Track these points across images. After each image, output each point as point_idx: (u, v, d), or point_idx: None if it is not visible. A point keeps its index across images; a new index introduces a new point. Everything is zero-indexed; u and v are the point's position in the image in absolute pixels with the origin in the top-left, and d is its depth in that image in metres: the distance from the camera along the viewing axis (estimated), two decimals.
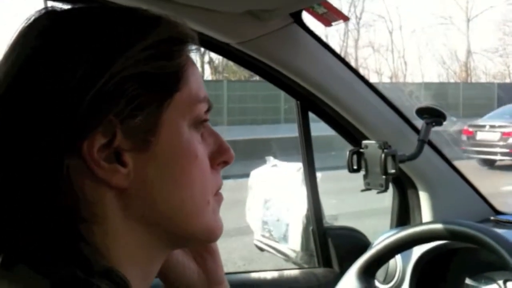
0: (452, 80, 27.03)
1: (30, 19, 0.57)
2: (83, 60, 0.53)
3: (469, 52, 28.58)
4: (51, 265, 0.52)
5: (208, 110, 0.61)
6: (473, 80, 27.32)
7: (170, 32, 0.58)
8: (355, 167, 1.40)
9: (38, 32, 0.56)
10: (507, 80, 27.77)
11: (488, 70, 30.44)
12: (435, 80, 27.03)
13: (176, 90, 0.57)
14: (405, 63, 29.24)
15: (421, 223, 1.51)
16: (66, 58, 0.53)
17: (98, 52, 0.53)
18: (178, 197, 0.57)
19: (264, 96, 15.71)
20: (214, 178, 0.62)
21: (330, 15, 1.24)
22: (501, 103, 17.41)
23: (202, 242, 0.65)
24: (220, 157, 0.63)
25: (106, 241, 0.55)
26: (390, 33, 26.95)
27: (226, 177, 0.71)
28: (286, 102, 15.10)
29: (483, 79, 28.02)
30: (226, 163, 0.64)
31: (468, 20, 28.40)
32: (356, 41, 26.10)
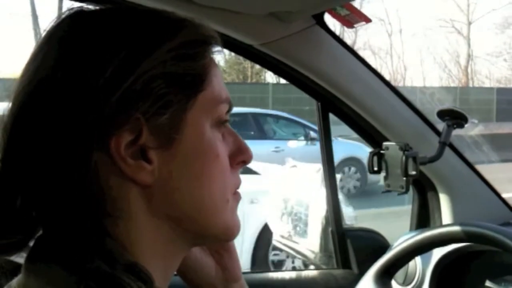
0: (453, 85, 26.40)
1: (59, 18, 0.59)
2: (112, 59, 0.54)
3: (469, 56, 27.96)
4: (77, 259, 0.53)
5: (228, 111, 0.62)
6: (476, 85, 26.64)
7: (194, 34, 0.59)
8: (375, 168, 1.40)
9: (68, 32, 0.57)
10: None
11: (492, 74, 29.84)
12: (436, 84, 26.42)
13: (200, 90, 0.58)
14: (405, 66, 28.75)
15: (441, 226, 1.50)
16: (96, 57, 0.54)
17: (126, 52, 0.55)
18: (199, 194, 0.59)
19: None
20: (233, 177, 0.63)
21: (353, 17, 1.25)
22: (500, 108, 17.05)
23: (220, 239, 0.67)
24: (240, 156, 0.64)
25: (130, 236, 0.56)
26: (389, 36, 26.47)
27: None
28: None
29: (487, 84, 27.41)
30: (244, 162, 0.65)
31: (469, 23, 27.82)
32: (353, 43, 25.73)
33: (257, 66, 21.84)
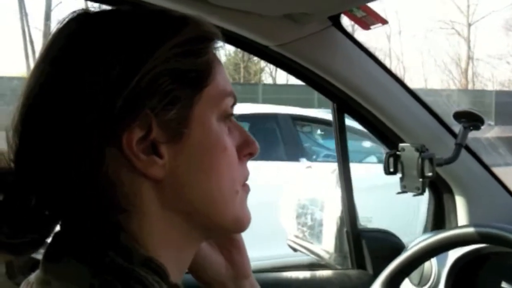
0: (453, 87, 25.85)
1: (64, 21, 0.60)
2: (119, 58, 0.55)
3: (470, 58, 27.40)
4: (93, 254, 0.55)
5: (233, 104, 0.63)
6: (477, 87, 26.02)
7: (197, 31, 0.60)
8: (391, 169, 1.40)
9: (73, 34, 0.58)
10: None
11: (495, 77, 29.25)
12: (437, 87, 25.74)
13: (205, 85, 0.59)
14: (404, 68, 28.15)
15: (456, 227, 1.50)
16: (103, 56, 0.56)
17: (131, 50, 0.56)
18: (208, 187, 0.60)
19: None
20: (242, 170, 0.64)
21: (369, 19, 1.25)
22: (499, 111, 16.71)
23: (231, 231, 0.68)
24: (246, 149, 0.65)
25: (143, 230, 0.57)
26: (388, 37, 25.95)
27: None
28: None
29: (489, 87, 26.74)
30: (251, 154, 0.66)
31: (469, 25, 27.25)
32: None
33: (253, 68, 21.76)
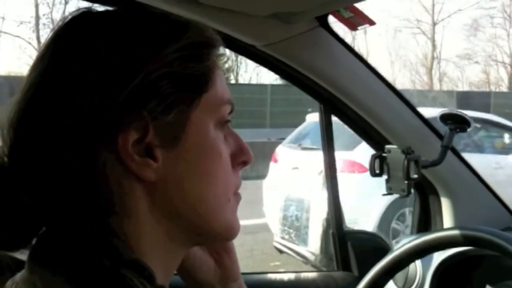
0: (419, 87, 25.61)
1: (67, 19, 0.60)
2: (120, 59, 0.55)
3: (435, 58, 27.37)
4: (79, 254, 0.54)
5: (231, 112, 0.63)
6: (444, 88, 25.94)
7: (199, 37, 0.60)
8: (377, 171, 1.40)
9: (75, 32, 0.58)
10: (488, 89, 26.49)
11: (465, 78, 29.27)
12: (408, 87, 25.34)
13: (204, 91, 0.59)
14: None
15: (442, 229, 1.50)
16: (103, 57, 0.55)
17: (133, 52, 0.56)
18: (201, 193, 0.60)
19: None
20: (235, 178, 0.64)
21: (356, 19, 1.25)
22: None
23: (221, 238, 0.67)
24: (241, 157, 0.65)
25: (132, 232, 0.57)
26: (353, 37, 25.64)
27: None
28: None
29: (460, 87, 26.80)
30: (245, 163, 0.66)
31: (434, 24, 27.11)
32: None
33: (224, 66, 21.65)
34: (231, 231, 0.64)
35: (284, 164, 5.35)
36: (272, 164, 5.81)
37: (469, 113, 1.39)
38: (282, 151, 5.87)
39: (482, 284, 1.34)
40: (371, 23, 1.26)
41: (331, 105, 1.54)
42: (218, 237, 0.65)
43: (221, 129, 0.62)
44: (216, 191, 0.61)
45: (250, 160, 0.66)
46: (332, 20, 1.31)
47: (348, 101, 1.46)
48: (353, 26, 1.28)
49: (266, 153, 6.19)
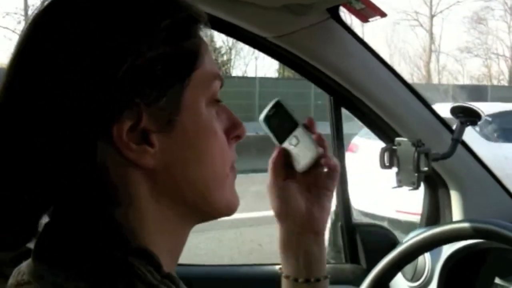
0: (417, 81, 25.03)
1: (46, 2, 0.57)
2: (107, 44, 0.54)
3: (433, 51, 26.89)
4: (86, 244, 0.54)
5: (221, 87, 0.63)
6: (444, 82, 25.41)
7: (184, 12, 0.59)
8: (387, 164, 1.39)
9: (58, 17, 0.56)
10: (488, 83, 26.10)
11: (467, 71, 28.88)
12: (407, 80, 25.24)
13: (194, 68, 0.59)
14: None
15: (451, 222, 1.50)
16: (89, 43, 0.53)
17: (120, 36, 0.54)
18: (201, 172, 0.60)
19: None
20: (230, 153, 0.64)
21: (368, 11, 1.24)
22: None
23: (222, 215, 0.67)
24: (234, 131, 0.65)
25: (136, 220, 0.57)
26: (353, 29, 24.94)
27: None
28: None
29: (460, 80, 26.42)
30: (239, 137, 0.66)
31: (432, 16, 26.63)
32: None
33: (220, 59, 21.46)
34: (232, 206, 0.64)
35: None
36: None
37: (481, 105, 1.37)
38: None
39: (491, 277, 1.34)
40: (383, 15, 1.26)
41: (341, 97, 1.53)
42: (219, 214, 0.65)
43: (213, 106, 0.62)
44: (215, 169, 0.61)
45: (243, 134, 0.66)
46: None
47: (359, 94, 1.46)
48: (364, 18, 1.27)
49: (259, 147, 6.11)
